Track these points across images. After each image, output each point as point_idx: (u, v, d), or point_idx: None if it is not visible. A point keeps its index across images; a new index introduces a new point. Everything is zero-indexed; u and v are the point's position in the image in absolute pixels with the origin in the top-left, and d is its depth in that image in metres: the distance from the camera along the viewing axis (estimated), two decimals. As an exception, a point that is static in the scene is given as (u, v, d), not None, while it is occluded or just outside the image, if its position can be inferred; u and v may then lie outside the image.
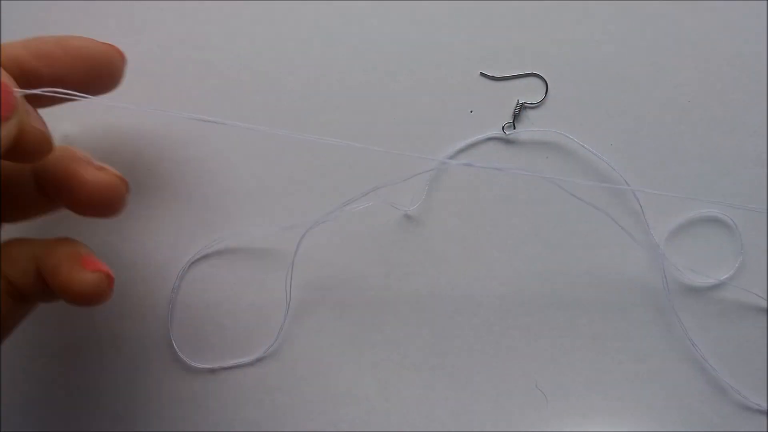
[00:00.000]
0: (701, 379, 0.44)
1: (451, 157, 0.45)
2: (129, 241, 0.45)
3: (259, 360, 0.45)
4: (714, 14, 0.45)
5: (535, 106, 0.45)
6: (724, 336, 0.44)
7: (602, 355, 0.44)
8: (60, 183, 0.36)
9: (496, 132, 0.45)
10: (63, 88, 0.35)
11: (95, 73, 0.37)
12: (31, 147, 0.33)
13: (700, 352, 0.43)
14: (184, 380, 0.45)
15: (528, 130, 0.45)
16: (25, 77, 0.35)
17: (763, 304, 0.44)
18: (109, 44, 0.38)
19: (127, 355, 0.45)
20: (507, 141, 0.45)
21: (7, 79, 0.31)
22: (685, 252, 0.44)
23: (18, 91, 0.32)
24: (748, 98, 0.45)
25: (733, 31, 0.45)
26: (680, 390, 0.44)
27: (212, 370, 0.45)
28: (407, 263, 0.45)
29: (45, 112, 0.34)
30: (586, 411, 0.44)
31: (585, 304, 0.44)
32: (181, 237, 0.45)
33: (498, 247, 0.45)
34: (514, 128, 0.45)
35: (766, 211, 0.43)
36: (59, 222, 0.45)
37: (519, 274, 0.45)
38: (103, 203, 0.37)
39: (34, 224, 0.45)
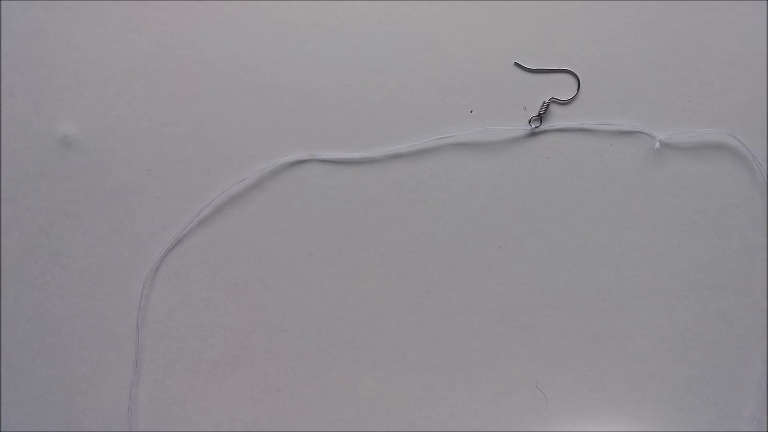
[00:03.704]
0: (701, 379, 0.44)
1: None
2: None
3: (259, 358, 0.45)
4: (714, 14, 0.45)
5: (565, 103, 0.45)
6: (724, 336, 0.44)
7: (602, 355, 0.44)
8: None
9: (523, 126, 0.45)
10: None
11: None
12: None
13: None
14: (184, 380, 0.45)
15: (552, 126, 0.44)
16: None
17: (763, 316, 0.44)
18: None
19: (126, 355, 0.45)
20: (506, 141, 0.45)
21: None
22: (685, 251, 0.44)
23: None
24: (748, 98, 0.44)
25: (735, 31, 0.45)
26: (680, 390, 0.44)
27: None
28: (407, 263, 0.45)
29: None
30: (586, 411, 0.44)
31: (585, 304, 0.44)
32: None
33: (498, 247, 0.45)
34: (541, 123, 0.45)
35: (765, 216, 0.44)
36: (58, 222, 0.45)
37: (519, 274, 0.45)
38: None
39: (33, 225, 0.45)
